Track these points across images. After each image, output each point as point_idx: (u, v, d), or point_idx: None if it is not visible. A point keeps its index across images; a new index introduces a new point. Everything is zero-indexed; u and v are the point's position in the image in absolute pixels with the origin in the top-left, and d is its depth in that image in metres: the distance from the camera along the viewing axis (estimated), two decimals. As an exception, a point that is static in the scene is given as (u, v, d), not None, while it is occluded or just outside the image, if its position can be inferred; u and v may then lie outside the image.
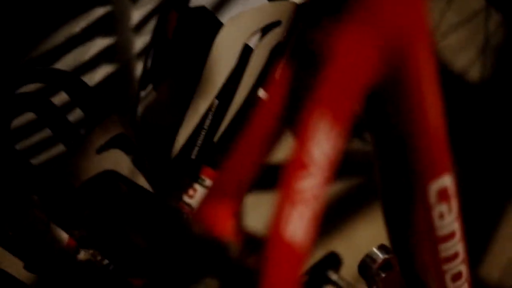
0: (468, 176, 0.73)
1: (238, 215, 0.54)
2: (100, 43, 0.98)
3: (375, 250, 0.96)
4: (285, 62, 0.49)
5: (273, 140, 0.52)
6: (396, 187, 0.61)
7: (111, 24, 0.97)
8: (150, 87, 0.95)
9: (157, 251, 0.49)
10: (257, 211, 0.61)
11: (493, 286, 1.34)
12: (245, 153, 0.51)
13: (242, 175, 0.52)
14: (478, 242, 1.40)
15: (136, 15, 0.99)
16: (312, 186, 0.47)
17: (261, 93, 0.90)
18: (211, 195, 0.54)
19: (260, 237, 0.53)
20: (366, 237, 1.32)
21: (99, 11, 0.95)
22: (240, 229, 0.54)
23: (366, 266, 0.95)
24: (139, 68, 1.04)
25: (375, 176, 0.62)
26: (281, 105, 0.50)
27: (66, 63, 0.98)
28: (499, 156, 1.57)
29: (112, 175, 0.77)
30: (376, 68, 0.48)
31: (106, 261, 0.79)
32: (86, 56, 0.98)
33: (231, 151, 0.52)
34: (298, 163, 0.46)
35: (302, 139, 0.46)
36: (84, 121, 0.86)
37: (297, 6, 0.57)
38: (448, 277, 0.69)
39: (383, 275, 0.93)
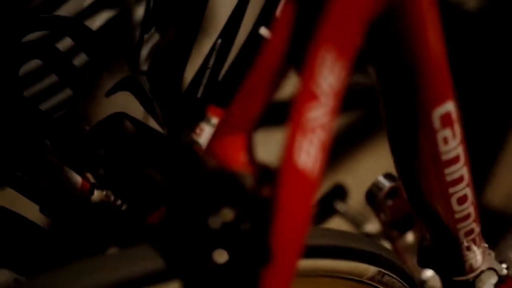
0: (469, 103, 0.74)
1: (249, 149, 0.56)
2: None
3: (381, 178, 0.98)
4: (289, 2, 0.50)
5: (280, 76, 0.53)
6: (401, 115, 0.63)
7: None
8: (153, 29, 0.96)
9: (174, 185, 0.51)
10: (266, 147, 0.62)
11: (496, 211, 1.36)
12: (253, 89, 0.53)
13: (251, 110, 0.54)
14: (480, 169, 1.42)
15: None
16: (321, 115, 0.49)
17: (263, 31, 0.90)
18: (222, 130, 0.56)
19: (272, 168, 0.55)
20: (372, 168, 1.34)
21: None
22: (252, 162, 0.56)
23: (373, 194, 0.97)
24: (140, 12, 1.04)
25: (380, 106, 0.63)
26: (285, 42, 0.51)
27: (67, 9, 0.99)
28: (498, 83, 1.58)
29: (121, 117, 0.79)
30: (377, 1, 0.49)
31: (119, 202, 0.81)
32: (86, 2, 0.98)
33: (240, 87, 0.54)
34: (307, 94, 0.48)
35: (309, 71, 0.48)
36: (90, 65, 0.87)
37: None
38: (454, 200, 0.71)
39: (390, 202, 0.95)
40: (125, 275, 0.51)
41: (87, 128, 0.83)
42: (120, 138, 0.69)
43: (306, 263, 0.61)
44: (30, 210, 0.84)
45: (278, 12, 0.52)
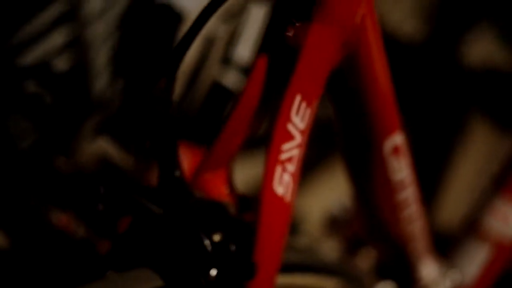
0: (416, 128, 0.82)
1: (230, 181, 0.65)
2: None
3: (336, 205, 1.07)
4: (261, 56, 0.60)
5: (258, 118, 0.63)
6: (355, 146, 0.72)
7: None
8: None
9: (170, 219, 0.59)
10: (241, 174, 0.71)
11: (445, 224, 1.45)
12: (233, 131, 0.62)
13: (231, 149, 0.63)
14: (430, 187, 1.51)
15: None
16: (293, 149, 0.58)
17: (226, 81, 0.99)
18: (205, 165, 0.64)
19: (250, 197, 0.64)
20: (329, 192, 1.42)
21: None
22: (233, 192, 0.65)
23: (330, 221, 1.06)
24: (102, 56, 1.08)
25: (338, 139, 0.73)
26: (260, 91, 0.61)
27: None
28: (442, 106, 1.66)
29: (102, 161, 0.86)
30: (337, 54, 0.60)
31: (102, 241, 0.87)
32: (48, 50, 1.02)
33: (221, 129, 0.63)
34: (282, 132, 0.58)
35: (284, 113, 0.58)
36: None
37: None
38: (403, 220, 0.79)
39: (346, 226, 1.04)
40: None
41: (69, 168, 0.89)
42: (111, 177, 0.76)
43: (280, 278, 0.69)
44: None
45: (253, 66, 0.61)
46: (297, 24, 0.58)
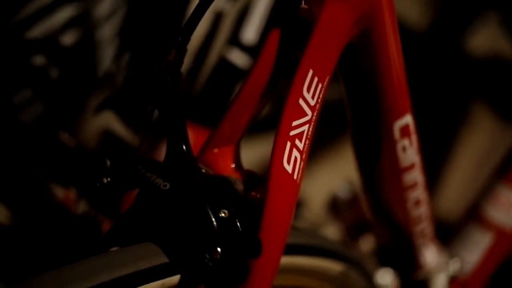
0: (422, 113, 0.82)
1: (237, 158, 0.64)
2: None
3: (340, 188, 1.06)
4: (275, 30, 0.59)
5: (265, 96, 0.61)
6: (365, 127, 0.71)
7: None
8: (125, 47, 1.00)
9: (177, 191, 0.58)
10: (249, 153, 0.70)
11: (446, 212, 1.44)
12: (242, 107, 0.61)
13: (239, 125, 0.62)
14: (432, 173, 1.51)
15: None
16: (304, 124, 0.57)
17: (234, 56, 0.97)
18: (213, 142, 0.63)
19: (257, 174, 0.63)
20: (331, 176, 1.41)
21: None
22: (241, 169, 0.64)
23: (333, 203, 1.05)
24: (107, 29, 1.07)
25: (347, 118, 0.72)
26: (270, 66, 0.59)
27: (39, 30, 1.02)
28: (447, 95, 1.66)
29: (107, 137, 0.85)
30: (351, 29, 0.59)
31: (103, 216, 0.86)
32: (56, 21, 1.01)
33: (229, 105, 0.62)
34: (293, 107, 0.57)
35: (295, 89, 0.57)
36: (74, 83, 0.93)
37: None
38: (410, 204, 0.79)
39: (349, 210, 1.03)
40: (133, 271, 0.57)
41: (74, 143, 0.89)
42: (117, 151, 0.75)
43: (284, 260, 0.68)
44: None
45: (266, 39, 0.60)
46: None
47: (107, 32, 1.01)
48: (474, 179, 1.52)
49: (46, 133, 0.91)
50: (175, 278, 0.59)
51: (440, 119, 1.64)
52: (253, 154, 0.82)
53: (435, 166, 1.57)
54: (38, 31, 0.98)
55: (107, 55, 1.01)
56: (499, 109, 1.68)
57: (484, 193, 1.05)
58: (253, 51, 0.97)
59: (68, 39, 0.99)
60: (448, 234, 1.04)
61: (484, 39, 1.72)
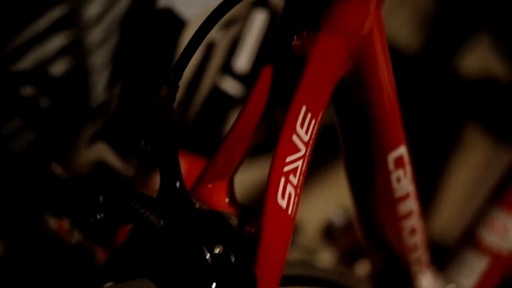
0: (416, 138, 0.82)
1: (231, 192, 0.64)
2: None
3: (335, 214, 1.06)
4: (267, 65, 0.59)
5: (259, 130, 0.62)
6: (359, 158, 0.71)
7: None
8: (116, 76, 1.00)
9: (171, 228, 0.58)
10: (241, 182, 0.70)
11: (439, 237, 1.44)
12: (236, 141, 0.61)
13: (233, 159, 0.62)
14: (424, 200, 1.51)
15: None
16: (297, 160, 0.57)
17: (225, 85, 0.98)
18: (206, 176, 0.63)
19: (251, 208, 0.63)
20: (325, 202, 1.41)
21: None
22: (235, 203, 0.64)
23: (328, 229, 1.05)
24: (98, 58, 1.07)
25: (340, 149, 0.72)
26: (264, 101, 0.60)
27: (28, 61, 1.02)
28: (438, 118, 1.66)
29: (99, 167, 0.85)
30: (343, 65, 0.59)
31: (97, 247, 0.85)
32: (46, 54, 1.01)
33: (223, 139, 0.62)
34: (286, 143, 0.57)
35: (289, 125, 0.57)
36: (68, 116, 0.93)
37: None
38: (405, 233, 0.79)
39: (345, 236, 1.03)
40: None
41: (66, 174, 0.88)
42: (111, 186, 0.75)
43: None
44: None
45: (259, 74, 0.60)
46: (304, 33, 0.57)
47: (99, 60, 1.01)
48: (469, 202, 1.52)
49: (37, 163, 0.91)
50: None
51: (433, 141, 1.64)
52: (247, 179, 0.81)
53: (429, 189, 1.57)
54: (28, 60, 0.99)
55: (99, 84, 1.01)
56: (493, 130, 1.68)
57: (479, 217, 1.05)
58: (245, 79, 0.98)
59: (60, 68, 1.00)
60: (443, 257, 1.04)
61: (476, 59, 1.73)
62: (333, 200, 1.19)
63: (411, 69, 1.65)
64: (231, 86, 0.98)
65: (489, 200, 1.05)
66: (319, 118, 0.58)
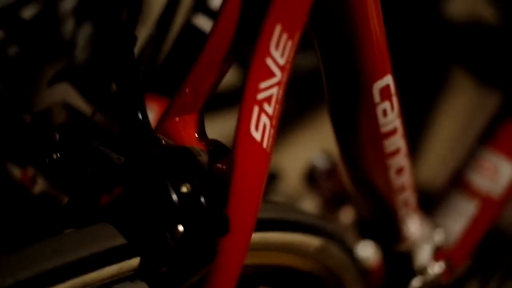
0: (403, 77, 0.78)
1: (201, 127, 0.58)
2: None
3: (317, 158, 1.01)
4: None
5: (228, 60, 0.56)
6: (343, 90, 0.66)
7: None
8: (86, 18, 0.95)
9: (131, 163, 0.52)
10: (213, 127, 0.64)
11: (427, 181, 1.41)
12: (203, 72, 0.55)
13: (201, 91, 0.56)
14: (413, 141, 1.48)
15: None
16: (273, 86, 0.51)
17: (198, 21, 0.92)
18: (173, 110, 0.57)
19: (223, 144, 0.58)
20: (307, 147, 1.37)
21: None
22: (205, 139, 0.58)
23: (311, 174, 1.00)
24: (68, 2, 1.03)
25: (323, 83, 0.66)
26: (233, 26, 0.53)
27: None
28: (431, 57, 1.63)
29: (64, 106, 0.79)
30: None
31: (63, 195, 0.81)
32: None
33: (190, 69, 0.56)
34: (259, 67, 0.51)
35: (262, 47, 0.51)
36: (27, 56, 0.87)
37: None
38: (392, 172, 0.74)
39: (328, 180, 0.99)
40: (87, 254, 0.52)
41: (28, 118, 0.83)
42: (68, 124, 0.70)
43: (256, 236, 0.63)
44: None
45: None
46: None
47: (67, 4, 0.96)
48: (456, 146, 1.49)
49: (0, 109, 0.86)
50: (134, 261, 0.53)
51: (419, 85, 1.61)
52: (220, 129, 0.76)
53: (415, 134, 1.53)
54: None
55: (67, 26, 0.96)
56: (480, 74, 1.64)
57: (468, 160, 1.01)
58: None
59: (28, 11, 0.94)
60: (430, 203, 1.00)
61: (463, 3, 1.69)
62: (316, 144, 1.14)
63: (396, 11, 1.60)
64: (206, 24, 0.92)
65: (477, 142, 1.01)
66: (295, 40, 0.52)
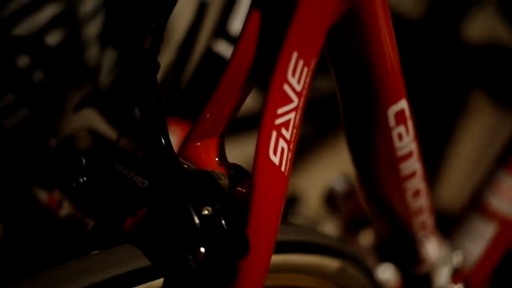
0: (419, 103, 0.79)
1: (221, 151, 0.60)
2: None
3: (336, 180, 1.02)
4: (253, 13, 0.54)
5: (248, 85, 0.57)
6: (358, 115, 0.67)
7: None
8: (109, 44, 0.98)
9: (155, 187, 0.54)
10: (235, 150, 0.66)
11: (446, 204, 1.42)
12: (224, 96, 0.57)
13: (222, 115, 0.58)
14: (431, 165, 1.48)
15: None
16: (290, 111, 0.53)
17: (219, 47, 0.94)
18: (195, 135, 0.59)
19: (243, 168, 0.59)
20: (326, 170, 1.38)
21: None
22: (225, 163, 0.60)
23: (330, 196, 1.02)
24: (93, 28, 1.05)
25: (339, 107, 0.68)
26: (252, 51, 0.55)
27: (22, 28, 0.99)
28: (446, 83, 1.64)
29: (88, 133, 0.81)
30: (337, 6, 0.54)
31: (88, 218, 0.82)
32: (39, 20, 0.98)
33: (211, 95, 0.58)
34: (277, 93, 0.52)
35: (279, 73, 0.52)
36: (52, 82, 0.90)
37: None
38: (409, 194, 0.75)
39: (347, 203, 1.00)
40: (113, 275, 0.53)
41: (55, 143, 0.85)
42: (94, 148, 0.71)
43: (276, 258, 0.65)
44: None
45: (243, 24, 0.56)
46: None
47: (91, 30, 0.98)
48: (475, 169, 1.49)
49: (27, 135, 0.88)
50: (159, 282, 0.55)
51: (438, 109, 1.61)
52: (240, 153, 0.78)
53: (434, 157, 1.54)
54: (21, 29, 0.96)
55: (91, 53, 0.98)
56: (499, 96, 1.65)
57: (486, 183, 1.02)
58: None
59: (53, 37, 0.97)
60: (449, 226, 1.00)
61: (481, 25, 1.70)
62: (335, 168, 1.16)
63: (414, 36, 1.61)
64: (226, 49, 0.94)
65: (495, 164, 1.01)
66: (311, 66, 0.54)
